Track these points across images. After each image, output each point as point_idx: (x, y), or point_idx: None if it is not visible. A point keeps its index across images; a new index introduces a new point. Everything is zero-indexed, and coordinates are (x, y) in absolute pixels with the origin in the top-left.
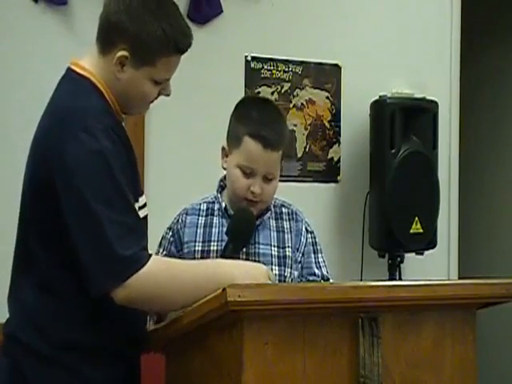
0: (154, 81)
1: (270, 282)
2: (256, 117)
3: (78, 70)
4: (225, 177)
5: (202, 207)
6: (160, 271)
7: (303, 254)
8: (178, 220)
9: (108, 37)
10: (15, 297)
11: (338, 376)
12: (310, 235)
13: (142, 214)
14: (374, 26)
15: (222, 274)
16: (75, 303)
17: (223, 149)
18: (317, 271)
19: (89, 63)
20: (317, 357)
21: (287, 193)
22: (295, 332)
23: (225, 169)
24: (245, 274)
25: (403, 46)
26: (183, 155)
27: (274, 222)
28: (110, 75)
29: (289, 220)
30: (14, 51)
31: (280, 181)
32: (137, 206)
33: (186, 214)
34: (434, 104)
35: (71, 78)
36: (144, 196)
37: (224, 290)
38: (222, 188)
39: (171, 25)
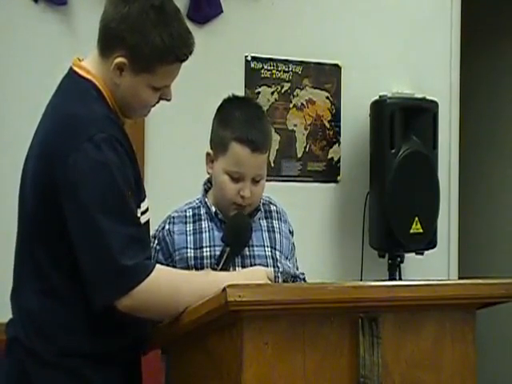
0: (154, 87)
1: (270, 282)
2: (240, 119)
3: (81, 72)
4: (208, 180)
5: (187, 213)
6: (163, 281)
7: (293, 256)
8: (163, 227)
9: (107, 42)
10: (18, 301)
11: (338, 376)
12: (291, 234)
13: (144, 219)
14: (373, 26)
15: (224, 282)
16: (78, 309)
17: (208, 154)
18: (297, 271)
19: (91, 65)
20: (317, 357)
21: (287, 193)
22: (295, 332)
23: (209, 174)
24: (246, 280)
25: (403, 46)
26: (183, 155)
27: (264, 221)
28: (110, 79)
29: (278, 219)
30: (14, 51)
31: (280, 181)
32: (139, 211)
33: (173, 222)
34: (434, 104)
35: (75, 81)
36: (146, 201)
37: (224, 289)
38: (206, 191)
39: (171, 34)
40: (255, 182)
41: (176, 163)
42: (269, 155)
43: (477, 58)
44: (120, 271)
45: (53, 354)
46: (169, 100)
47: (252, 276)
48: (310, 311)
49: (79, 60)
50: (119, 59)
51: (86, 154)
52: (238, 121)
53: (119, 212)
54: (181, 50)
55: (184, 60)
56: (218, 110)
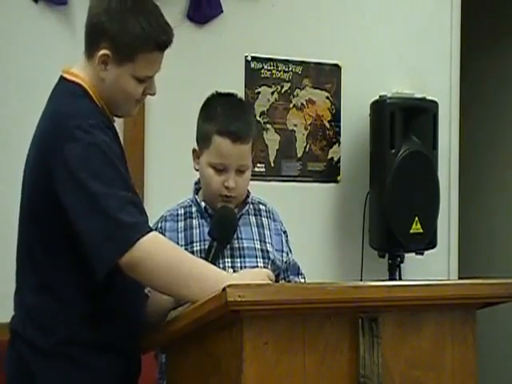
0: (137, 78)
1: (270, 282)
2: (221, 113)
3: (69, 77)
4: (199, 180)
5: (179, 212)
6: (164, 241)
7: (287, 254)
8: (156, 227)
9: (91, 39)
10: (18, 296)
11: (338, 376)
12: (285, 235)
13: None
14: (373, 26)
15: (224, 280)
16: (74, 302)
17: (194, 151)
18: (301, 269)
19: (78, 69)
20: (317, 357)
21: (287, 193)
22: (295, 332)
23: (197, 170)
24: (246, 280)
25: (403, 46)
26: (183, 155)
27: (253, 218)
28: (97, 77)
29: (267, 217)
30: (14, 51)
31: (280, 181)
32: None
33: (165, 220)
34: (434, 104)
35: (63, 85)
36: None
37: (224, 289)
38: (197, 191)
39: (149, 22)
40: (240, 172)
41: (176, 163)
42: (253, 147)
43: (477, 58)
44: (120, 227)
45: (53, 344)
46: (153, 94)
47: (252, 277)
48: (310, 311)
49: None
50: (102, 51)
51: (77, 140)
52: (219, 114)
53: (114, 181)
54: (160, 37)
55: (163, 48)
56: (202, 106)
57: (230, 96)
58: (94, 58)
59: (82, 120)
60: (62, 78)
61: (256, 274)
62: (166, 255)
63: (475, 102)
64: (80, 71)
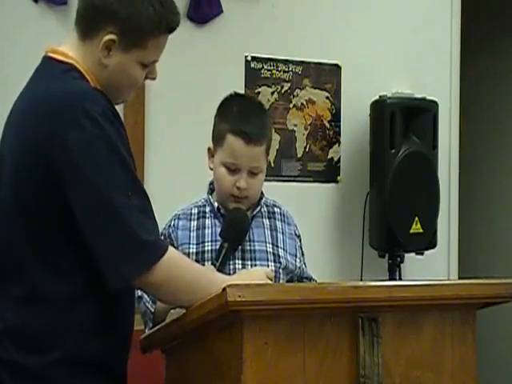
0: (143, 64)
1: (270, 282)
2: (237, 113)
3: (57, 56)
4: (213, 180)
5: (193, 211)
6: (180, 260)
7: (300, 260)
8: (169, 225)
9: (92, 21)
10: None
11: (338, 376)
12: (298, 239)
13: None
14: (373, 27)
15: (223, 282)
16: (75, 313)
17: (209, 149)
18: (310, 273)
19: (70, 49)
20: (317, 357)
21: (287, 193)
22: (295, 332)
23: (211, 169)
24: (245, 281)
25: (403, 46)
26: (183, 155)
27: (267, 220)
28: (95, 62)
29: (281, 221)
30: (14, 51)
31: (280, 181)
32: None
33: (178, 218)
34: (434, 104)
35: (51, 65)
36: None
37: (224, 289)
38: (211, 191)
39: (161, 3)
40: (252, 174)
41: (176, 163)
42: (267, 151)
43: (477, 58)
44: (142, 246)
45: (37, 364)
46: (154, 79)
47: (251, 277)
48: (310, 311)
49: (55, 47)
50: (108, 36)
51: (84, 131)
52: (234, 114)
53: (127, 185)
54: (171, 18)
55: (172, 31)
56: (219, 106)
57: (248, 97)
58: (92, 42)
59: (87, 104)
60: (47, 58)
61: (254, 274)
62: (183, 276)
63: (475, 101)
64: (71, 51)
